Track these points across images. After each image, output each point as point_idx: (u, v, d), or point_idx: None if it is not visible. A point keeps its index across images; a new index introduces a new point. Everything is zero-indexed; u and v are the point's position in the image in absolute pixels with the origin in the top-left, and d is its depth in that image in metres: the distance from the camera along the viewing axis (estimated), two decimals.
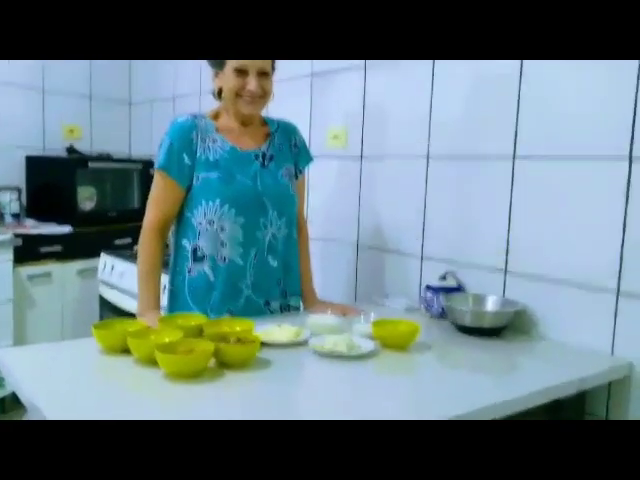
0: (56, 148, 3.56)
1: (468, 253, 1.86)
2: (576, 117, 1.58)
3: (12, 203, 3.28)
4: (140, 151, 3.84)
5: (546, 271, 1.65)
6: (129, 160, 3.76)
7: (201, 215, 1.66)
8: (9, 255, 2.85)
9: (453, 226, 1.91)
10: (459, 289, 1.82)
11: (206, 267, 1.68)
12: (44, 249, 3.06)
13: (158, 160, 1.67)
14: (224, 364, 1.29)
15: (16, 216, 3.29)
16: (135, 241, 3.22)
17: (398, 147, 2.10)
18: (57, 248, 3.11)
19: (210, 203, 1.65)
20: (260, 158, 1.73)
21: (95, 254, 3.12)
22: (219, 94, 1.72)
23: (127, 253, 2.92)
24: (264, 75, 1.65)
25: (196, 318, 1.51)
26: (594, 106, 1.55)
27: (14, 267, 2.89)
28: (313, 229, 2.01)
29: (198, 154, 1.66)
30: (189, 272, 1.70)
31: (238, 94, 1.65)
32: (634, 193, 1.47)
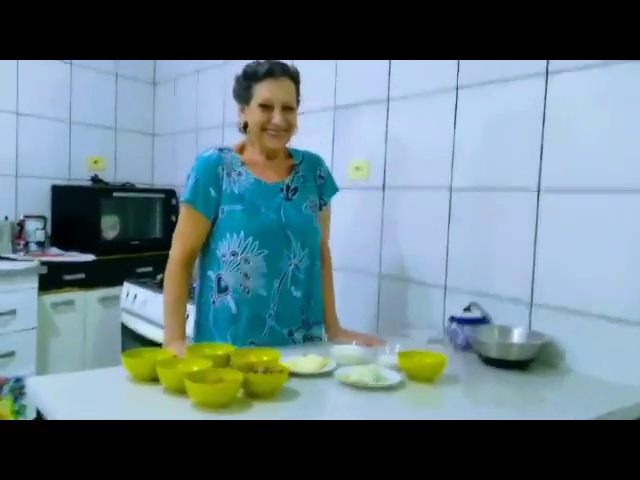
0: (81, 178, 3.64)
1: (492, 284, 1.86)
2: (601, 149, 1.59)
3: (37, 232, 3.33)
4: (163, 181, 3.90)
5: (573, 303, 1.65)
6: (152, 190, 3.82)
7: (225, 247, 1.69)
8: (34, 283, 2.89)
9: (477, 257, 1.92)
10: (484, 321, 1.82)
11: (229, 298, 1.70)
12: (68, 277, 3.10)
13: (185, 194, 1.70)
14: (252, 394, 1.30)
15: (40, 244, 3.34)
16: (157, 270, 3.31)
17: (420, 179, 2.12)
18: (80, 276, 3.14)
19: (235, 235, 1.67)
20: (284, 191, 1.76)
21: (117, 282, 3.16)
22: (244, 128, 1.76)
23: (150, 282, 2.96)
24: (288, 109, 1.69)
25: (223, 348, 1.52)
26: (619, 138, 1.56)
27: (38, 295, 2.93)
28: (335, 259, 2.02)
29: (224, 187, 1.69)
30: (213, 303, 1.73)
31: (263, 128, 1.68)
32: None
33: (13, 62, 3.35)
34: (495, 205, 1.86)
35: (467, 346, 1.76)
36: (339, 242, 2.39)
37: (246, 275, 1.68)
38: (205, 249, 1.75)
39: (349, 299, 2.33)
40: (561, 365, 1.67)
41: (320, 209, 1.84)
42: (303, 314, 1.78)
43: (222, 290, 1.71)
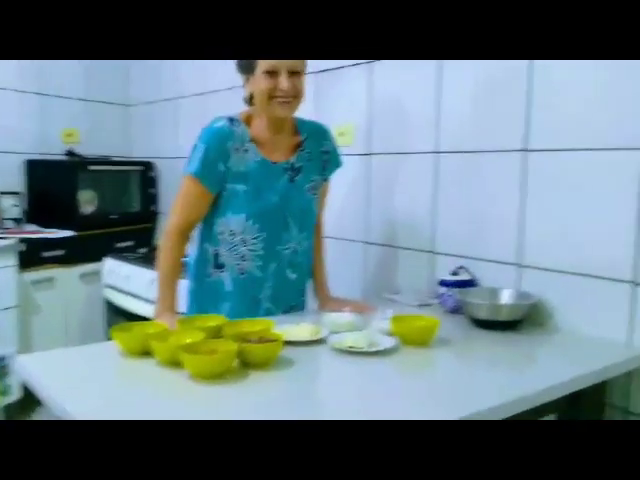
0: (55, 152, 3.54)
1: (480, 247, 1.87)
2: (587, 107, 1.59)
3: (13, 208, 3.25)
4: (140, 153, 3.82)
5: (560, 263, 1.66)
6: (129, 162, 3.74)
7: (224, 225, 1.67)
8: (13, 261, 2.83)
9: (464, 220, 1.92)
10: (473, 283, 1.83)
11: (226, 275, 1.70)
12: (47, 254, 3.04)
13: (192, 166, 1.63)
14: (247, 364, 1.29)
15: (17, 221, 3.27)
16: (138, 244, 3.27)
17: (406, 143, 2.10)
18: (60, 252, 3.09)
19: (235, 216, 1.65)
20: (289, 171, 1.71)
21: (98, 258, 3.12)
22: (250, 100, 1.68)
23: (131, 256, 2.92)
24: (296, 74, 1.60)
25: (215, 319, 1.51)
26: (605, 95, 1.55)
27: (18, 273, 2.87)
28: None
29: (230, 164, 1.64)
30: (209, 276, 1.72)
31: (271, 96, 1.60)
32: None
33: None
34: (482, 168, 1.86)
35: (456, 309, 1.78)
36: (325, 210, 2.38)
37: (243, 257, 1.68)
38: (204, 221, 1.72)
39: (336, 266, 2.32)
40: (550, 324, 1.69)
41: (321, 184, 1.82)
42: (302, 295, 1.80)
43: (218, 266, 1.70)
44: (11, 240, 2.85)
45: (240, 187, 1.65)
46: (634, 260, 1.51)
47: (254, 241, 1.67)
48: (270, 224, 1.67)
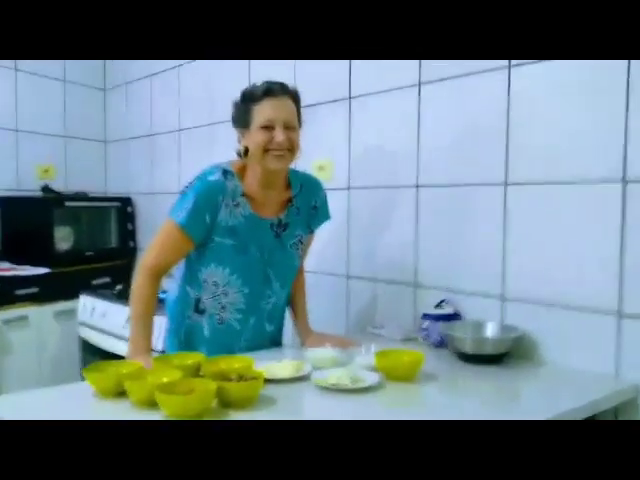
0: (30, 189, 3.48)
1: (463, 280, 1.85)
2: (566, 141, 1.60)
3: None
4: (117, 189, 3.78)
5: (544, 295, 1.65)
6: (106, 199, 3.69)
7: (208, 274, 1.65)
8: None
9: (446, 253, 1.90)
10: (456, 316, 1.80)
11: (204, 322, 1.69)
12: (20, 292, 2.95)
13: (179, 215, 1.59)
14: (227, 403, 1.24)
15: None
16: (115, 280, 3.20)
17: (386, 177, 2.10)
18: (34, 290, 3.00)
19: (220, 268, 1.64)
20: (275, 227, 1.70)
21: (73, 295, 3.03)
22: (245, 153, 1.65)
23: (108, 293, 2.85)
24: (291, 129, 1.60)
25: (192, 357, 1.46)
26: (584, 128, 1.56)
27: None
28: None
29: (219, 218, 1.61)
30: (189, 318, 1.70)
31: (266, 149, 1.58)
32: (630, 214, 1.48)
33: None
34: (463, 201, 1.85)
35: (441, 343, 1.75)
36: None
37: (223, 307, 1.67)
38: (187, 263, 1.70)
39: (317, 300, 2.28)
40: (535, 357, 1.66)
41: (306, 236, 1.81)
42: (274, 343, 1.81)
43: (199, 311, 1.69)
44: None
45: (228, 241, 1.63)
46: (618, 291, 1.50)
47: (236, 295, 1.66)
48: (253, 279, 1.67)
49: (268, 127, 1.57)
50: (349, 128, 2.22)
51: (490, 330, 1.69)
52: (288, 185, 1.74)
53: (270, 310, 1.74)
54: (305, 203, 1.77)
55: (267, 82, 1.60)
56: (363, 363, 1.49)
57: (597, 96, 1.53)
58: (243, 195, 1.64)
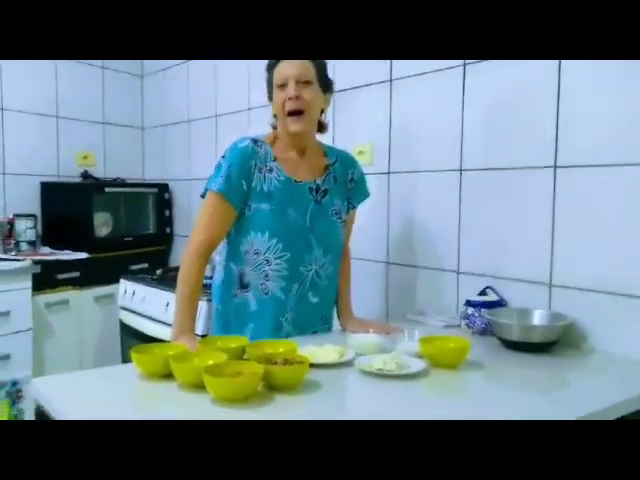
0: (70, 175, 3.53)
1: (508, 267, 1.81)
2: (617, 123, 1.54)
3: (28, 231, 3.23)
4: (153, 175, 3.81)
5: (593, 282, 1.60)
6: (144, 184, 3.73)
7: (249, 244, 1.64)
8: (28, 283, 2.80)
9: (491, 239, 1.86)
10: (501, 304, 1.76)
11: (250, 296, 1.67)
12: (61, 276, 3.01)
13: (216, 183, 1.61)
14: (272, 387, 1.23)
15: (32, 243, 3.24)
16: (153, 266, 3.23)
17: (428, 161, 2.06)
18: (75, 274, 3.06)
19: (259, 235, 1.62)
20: (314, 192, 1.69)
21: (112, 280, 3.08)
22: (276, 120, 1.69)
23: (147, 278, 2.88)
24: (304, 84, 1.60)
25: (237, 340, 1.46)
26: (636, 111, 1.50)
27: (32, 295, 2.83)
28: None
29: (254, 184, 1.62)
30: (235, 296, 1.69)
31: (286, 112, 1.60)
32: None
33: None
34: (509, 185, 1.81)
35: (484, 330, 1.71)
36: None
37: (267, 276, 1.65)
38: (228, 240, 1.70)
39: (356, 286, 2.27)
40: (583, 345, 1.62)
41: (347, 212, 1.79)
42: (325, 323, 1.77)
43: (244, 286, 1.67)
44: (25, 262, 2.82)
45: (265, 206, 1.62)
46: None
47: (278, 261, 1.64)
48: (293, 244, 1.64)
49: (284, 85, 1.60)
50: (390, 111, 2.19)
51: (537, 317, 1.65)
52: (324, 154, 1.75)
53: (313, 278, 1.69)
54: (342, 174, 1.76)
55: None
56: (407, 349, 1.47)
57: None
58: (275, 160, 1.64)
